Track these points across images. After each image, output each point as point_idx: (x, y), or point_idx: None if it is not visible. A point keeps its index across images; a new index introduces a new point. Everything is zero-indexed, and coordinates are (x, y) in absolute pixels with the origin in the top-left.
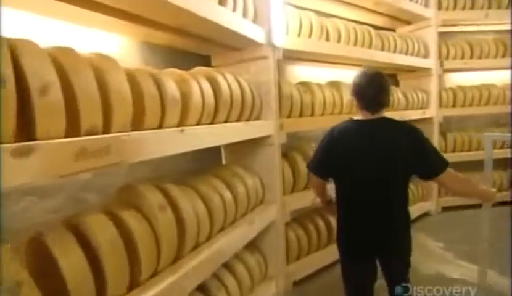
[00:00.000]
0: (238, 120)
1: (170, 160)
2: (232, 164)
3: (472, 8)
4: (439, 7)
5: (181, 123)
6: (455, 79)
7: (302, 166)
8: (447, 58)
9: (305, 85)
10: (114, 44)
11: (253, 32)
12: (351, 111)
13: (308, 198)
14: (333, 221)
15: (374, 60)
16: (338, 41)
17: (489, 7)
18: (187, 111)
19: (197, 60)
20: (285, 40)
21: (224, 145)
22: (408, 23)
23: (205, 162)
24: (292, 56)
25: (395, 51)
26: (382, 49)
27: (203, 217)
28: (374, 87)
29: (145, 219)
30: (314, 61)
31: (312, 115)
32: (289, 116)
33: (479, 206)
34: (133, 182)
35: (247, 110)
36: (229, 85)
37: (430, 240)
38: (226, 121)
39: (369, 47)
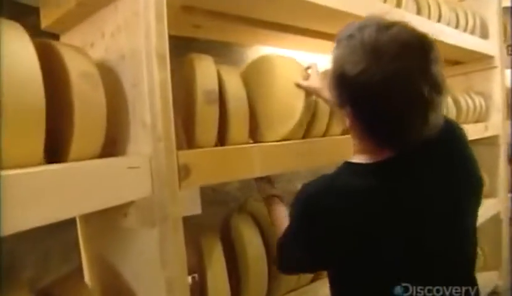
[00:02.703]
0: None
1: None
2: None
3: None
4: None
5: None
6: None
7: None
8: None
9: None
10: None
11: None
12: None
13: None
14: None
15: None
16: None
17: None
18: None
19: (19, 15)
20: None
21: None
22: None
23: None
24: (218, 10)
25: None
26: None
27: None
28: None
29: None
30: (276, 27)
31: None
32: (221, 141)
33: None
34: None
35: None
36: None
37: None
38: None
39: (398, 7)
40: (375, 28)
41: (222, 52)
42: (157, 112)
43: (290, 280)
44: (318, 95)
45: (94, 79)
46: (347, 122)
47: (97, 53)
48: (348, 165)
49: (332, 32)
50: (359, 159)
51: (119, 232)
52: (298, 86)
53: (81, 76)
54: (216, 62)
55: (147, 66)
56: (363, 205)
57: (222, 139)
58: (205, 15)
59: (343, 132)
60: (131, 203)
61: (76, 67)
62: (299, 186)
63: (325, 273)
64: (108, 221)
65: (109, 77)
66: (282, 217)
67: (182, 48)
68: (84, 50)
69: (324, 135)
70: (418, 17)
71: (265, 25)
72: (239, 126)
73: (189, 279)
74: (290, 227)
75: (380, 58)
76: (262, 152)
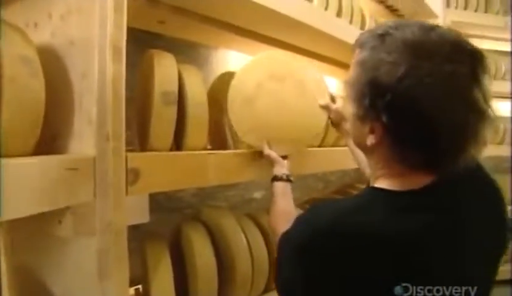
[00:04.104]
0: None
1: None
2: None
3: (485, 11)
4: (447, 4)
5: None
6: None
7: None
8: None
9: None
10: None
11: None
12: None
13: None
14: None
15: None
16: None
17: (505, 14)
18: None
19: None
20: None
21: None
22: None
23: None
24: (182, 6)
25: None
26: None
27: None
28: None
29: None
30: (241, 32)
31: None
32: (177, 147)
33: None
34: None
35: None
36: None
37: None
38: None
39: (362, 29)
40: (418, 26)
41: (187, 51)
42: (107, 109)
43: (241, 291)
44: (339, 122)
45: (32, 64)
46: (370, 139)
47: (41, 36)
48: (379, 192)
49: (296, 44)
50: (387, 185)
51: (50, 241)
52: (326, 106)
53: (16, 59)
54: (180, 61)
55: (99, 57)
56: (410, 249)
57: (178, 144)
58: (170, 10)
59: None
60: (67, 208)
61: (11, 49)
62: (256, 195)
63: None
64: (38, 227)
65: (54, 64)
66: (284, 212)
67: (147, 43)
68: (23, 30)
69: None
70: None
71: (230, 28)
72: (197, 131)
73: (132, 291)
74: (281, 269)
75: (430, 59)
76: (218, 160)
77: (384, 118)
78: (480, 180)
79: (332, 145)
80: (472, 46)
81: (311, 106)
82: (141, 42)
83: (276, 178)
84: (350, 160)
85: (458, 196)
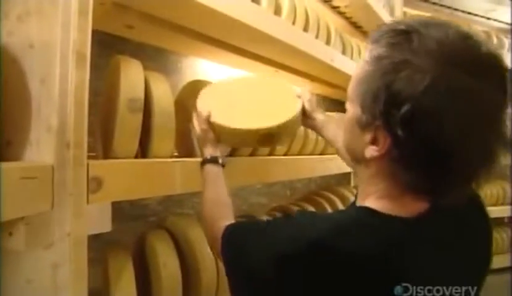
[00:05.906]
0: None
1: None
2: None
3: None
4: None
5: None
6: None
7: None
8: None
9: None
10: None
11: None
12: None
13: None
14: None
15: (332, 66)
16: (277, 14)
17: None
18: None
19: None
20: None
21: None
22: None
23: None
24: (150, 13)
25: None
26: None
27: None
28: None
29: None
30: (210, 41)
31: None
32: (142, 154)
33: None
34: None
35: None
36: None
37: None
38: None
39: (327, 44)
40: (454, 29)
41: (156, 57)
42: (68, 117)
43: None
44: (311, 112)
45: None
46: (371, 151)
47: None
48: (374, 215)
49: (265, 55)
50: (380, 207)
51: None
52: (301, 95)
53: None
54: (149, 68)
55: (61, 62)
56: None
57: (144, 151)
58: (138, 16)
59: (270, 153)
60: (20, 219)
61: None
62: None
63: None
64: None
65: (9, 66)
66: (217, 202)
67: (114, 46)
68: None
69: (251, 155)
70: (345, 58)
71: (201, 37)
72: (163, 139)
73: None
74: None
75: (463, 70)
76: (184, 168)
77: (397, 131)
78: (474, 212)
79: (298, 154)
80: (506, 64)
81: (283, 97)
82: (108, 45)
83: (206, 161)
84: (316, 168)
85: (451, 229)
